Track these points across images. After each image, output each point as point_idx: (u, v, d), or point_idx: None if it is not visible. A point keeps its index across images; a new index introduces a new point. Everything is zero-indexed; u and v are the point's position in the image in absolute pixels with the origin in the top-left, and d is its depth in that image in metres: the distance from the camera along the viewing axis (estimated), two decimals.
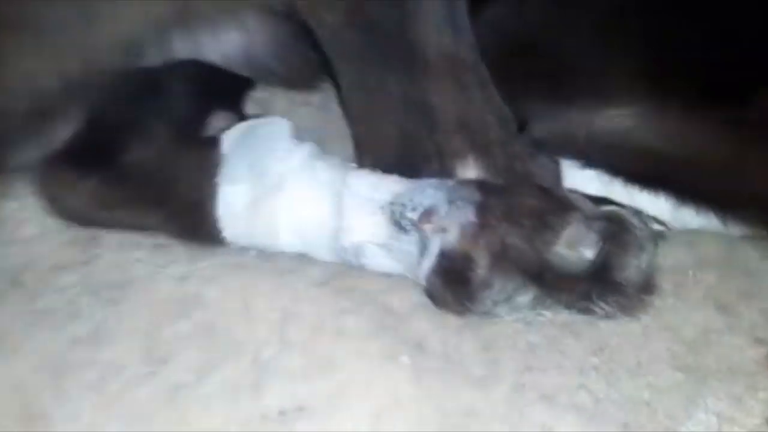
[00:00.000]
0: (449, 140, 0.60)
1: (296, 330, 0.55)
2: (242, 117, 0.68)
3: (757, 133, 0.59)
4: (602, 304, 0.54)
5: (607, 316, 0.54)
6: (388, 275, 0.58)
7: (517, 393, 0.51)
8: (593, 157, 0.62)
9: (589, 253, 0.53)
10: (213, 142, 0.63)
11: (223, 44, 0.70)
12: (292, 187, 0.60)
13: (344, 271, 0.59)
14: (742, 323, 0.55)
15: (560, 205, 0.55)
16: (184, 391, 0.52)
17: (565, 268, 0.54)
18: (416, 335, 0.55)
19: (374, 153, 0.62)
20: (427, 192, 0.58)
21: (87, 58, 0.62)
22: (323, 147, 0.63)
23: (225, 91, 0.70)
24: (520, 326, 0.55)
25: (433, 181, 0.58)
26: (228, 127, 0.64)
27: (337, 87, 0.64)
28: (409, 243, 0.57)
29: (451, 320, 0.56)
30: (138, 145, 0.64)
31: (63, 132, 0.66)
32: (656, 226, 0.57)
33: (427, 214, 0.57)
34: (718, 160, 0.59)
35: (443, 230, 0.56)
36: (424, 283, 0.57)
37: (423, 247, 0.57)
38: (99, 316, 0.57)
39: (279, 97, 0.73)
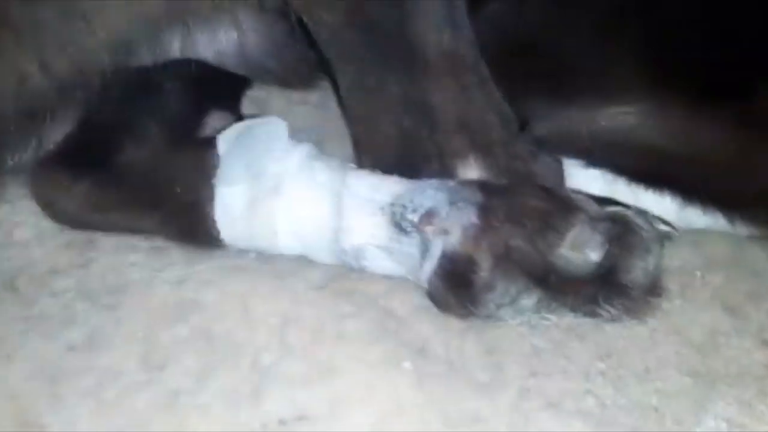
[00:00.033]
0: (450, 140, 0.59)
1: (296, 335, 0.54)
2: (239, 117, 0.67)
3: (763, 131, 0.58)
4: (608, 307, 0.53)
5: (613, 320, 0.53)
6: (388, 277, 0.57)
7: (523, 399, 0.50)
8: (596, 155, 0.61)
9: (594, 255, 0.52)
10: (209, 143, 0.62)
11: (218, 42, 0.69)
12: (290, 188, 0.59)
13: (344, 274, 0.58)
14: (751, 325, 0.55)
15: (564, 206, 0.54)
16: (182, 398, 0.51)
17: (570, 270, 0.53)
18: (418, 339, 0.54)
19: (374, 153, 0.61)
20: (428, 193, 0.57)
21: (76, 57, 0.61)
22: (322, 147, 0.62)
23: (221, 91, 0.69)
24: (525, 330, 0.54)
25: (433, 181, 0.57)
26: (224, 127, 0.63)
27: (336, 86, 0.63)
28: (410, 245, 0.56)
29: (454, 323, 0.55)
30: (132, 145, 0.63)
31: (55, 133, 0.65)
32: (662, 227, 0.56)
33: (429, 215, 0.56)
34: (723, 157, 0.58)
35: (445, 232, 0.55)
36: (425, 285, 0.56)
37: (424, 249, 0.56)
38: (95, 322, 0.56)
39: (276, 96, 0.72)
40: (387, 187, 0.58)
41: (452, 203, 0.56)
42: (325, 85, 0.70)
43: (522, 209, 0.54)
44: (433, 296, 0.56)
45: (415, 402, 0.50)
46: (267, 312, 0.55)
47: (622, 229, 0.53)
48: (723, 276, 0.57)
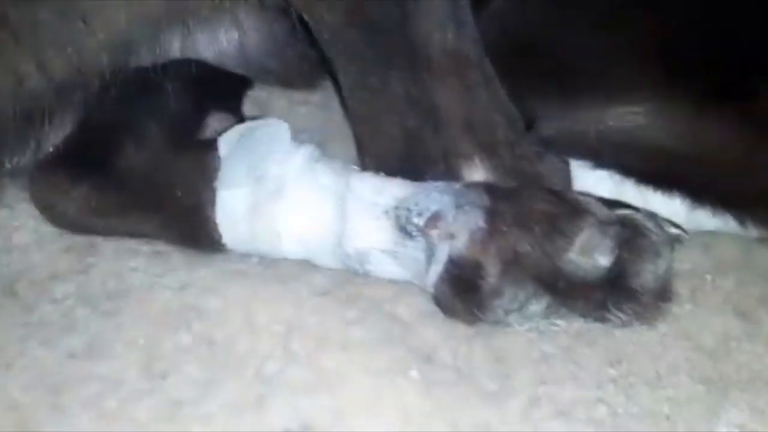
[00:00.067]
0: (454, 141, 0.58)
1: (300, 342, 0.53)
2: (240, 117, 0.66)
3: None
4: (618, 313, 0.52)
5: (623, 325, 0.53)
6: (393, 282, 0.57)
7: (533, 407, 0.49)
8: (604, 156, 0.60)
9: (604, 260, 0.52)
10: (210, 145, 0.61)
11: (218, 42, 0.68)
12: (292, 191, 0.58)
13: (348, 278, 0.57)
14: (762, 330, 0.54)
15: (572, 210, 0.53)
16: (185, 408, 0.51)
17: (580, 275, 0.52)
18: (425, 346, 0.53)
19: (377, 154, 0.60)
20: (433, 196, 0.56)
21: (74, 58, 0.60)
22: (324, 147, 0.61)
23: (221, 91, 0.68)
24: (533, 335, 0.53)
25: (439, 184, 0.56)
26: (225, 129, 0.62)
27: (338, 86, 0.62)
28: (415, 249, 0.55)
29: (461, 329, 0.54)
30: (132, 148, 0.62)
31: (54, 135, 0.64)
32: (672, 230, 0.55)
33: (434, 219, 0.55)
34: (732, 157, 0.57)
35: (451, 236, 0.54)
36: (431, 290, 0.55)
37: (430, 254, 0.55)
38: (95, 329, 0.55)
39: (277, 96, 0.71)
40: (391, 190, 0.57)
41: (458, 207, 0.55)
42: (327, 84, 0.69)
43: (530, 213, 0.53)
44: (440, 301, 0.55)
45: (423, 411, 0.49)
46: (270, 319, 0.55)
47: (631, 232, 0.53)
48: (734, 279, 0.56)
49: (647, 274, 0.52)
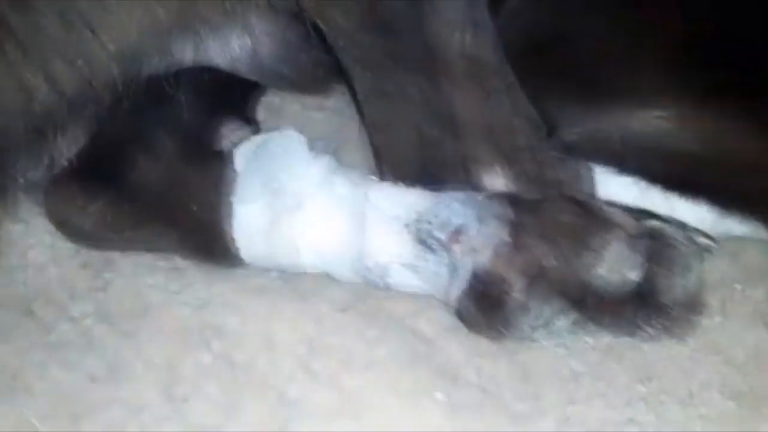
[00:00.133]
0: (474, 148, 0.57)
1: (323, 363, 0.52)
2: (254, 124, 0.65)
3: None
4: (647, 327, 0.51)
5: (652, 339, 0.51)
6: (414, 296, 0.56)
7: (562, 428, 0.48)
8: (629, 162, 0.58)
9: (633, 275, 0.50)
10: (225, 158, 0.60)
11: (231, 49, 0.66)
12: (310, 205, 0.57)
13: (369, 292, 0.56)
14: None
15: (600, 223, 0.52)
16: None
17: (608, 290, 0.51)
18: (449, 364, 0.52)
19: (395, 162, 0.58)
20: (455, 208, 0.54)
21: (83, 69, 0.59)
22: (340, 155, 0.60)
23: (235, 98, 0.67)
24: (560, 352, 0.52)
25: (460, 195, 0.55)
26: (239, 137, 0.61)
27: (353, 92, 0.61)
28: (437, 263, 0.54)
29: (485, 345, 0.53)
30: (146, 159, 0.61)
31: (67, 149, 0.63)
32: (701, 240, 0.53)
33: (457, 233, 0.54)
34: (764, 164, 0.56)
35: (474, 250, 0.53)
36: (454, 305, 0.54)
37: (452, 268, 0.54)
38: (115, 349, 0.55)
39: (291, 102, 0.69)
40: (412, 202, 0.56)
41: (481, 220, 0.54)
42: (342, 89, 0.68)
43: (556, 226, 0.52)
44: (463, 317, 0.54)
45: None
46: (291, 337, 0.54)
47: (660, 245, 0.51)
48: (764, 289, 0.55)
49: (677, 288, 0.51)
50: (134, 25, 0.60)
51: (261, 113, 0.68)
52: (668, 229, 0.52)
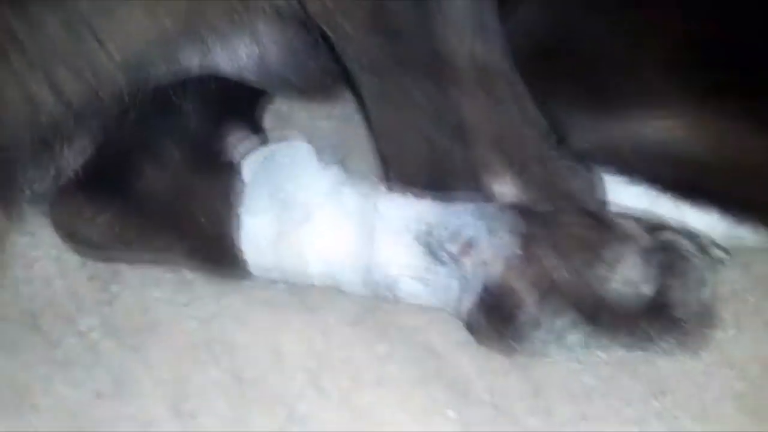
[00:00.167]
0: (483, 156, 0.56)
1: (332, 380, 0.52)
2: (261, 132, 0.64)
3: None
4: (661, 342, 0.50)
5: (666, 353, 0.51)
6: (424, 309, 0.55)
7: None
8: (640, 170, 0.58)
9: (647, 288, 0.50)
10: (233, 169, 0.59)
11: (238, 57, 0.66)
12: (318, 217, 0.56)
13: (378, 305, 0.56)
14: None
15: (613, 235, 0.52)
16: None
17: (621, 304, 0.50)
18: (460, 379, 0.51)
19: (403, 171, 0.58)
20: (466, 220, 0.54)
21: (89, 80, 0.58)
22: (348, 163, 0.59)
23: (242, 106, 0.66)
24: (573, 366, 0.51)
25: (470, 206, 0.55)
26: (246, 146, 0.60)
27: (360, 100, 0.60)
28: (447, 276, 0.54)
29: (496, 359, 0.52)
30: (153, 170, 0.61)
31: (74, 160, 0.62)
32: (714, 251, 0.53)
33: (467, 245, 0.53)
34: None
35: (485, 263, 0.52)
36: (464, 318, 0.53)
37: (463, 281, 0.53)
38: (122, 364, 0.54)
39: (298, 109, 0.69)
40: (421, 214, 0.55)
41: (492, 232, 0.53)
42: (349, 96, 0.67)
43: (568, 238, 0.52)
44: (474, 330, 0.53)
45: None
46: (300, 352, 0.53)
47: (674, 258, 0.51)
48: None
49: (691, 301, 0.50)
50: (141, 34, 0.59)
51: (268, 121, 0.67)
52: (681, 241, 0.52)
